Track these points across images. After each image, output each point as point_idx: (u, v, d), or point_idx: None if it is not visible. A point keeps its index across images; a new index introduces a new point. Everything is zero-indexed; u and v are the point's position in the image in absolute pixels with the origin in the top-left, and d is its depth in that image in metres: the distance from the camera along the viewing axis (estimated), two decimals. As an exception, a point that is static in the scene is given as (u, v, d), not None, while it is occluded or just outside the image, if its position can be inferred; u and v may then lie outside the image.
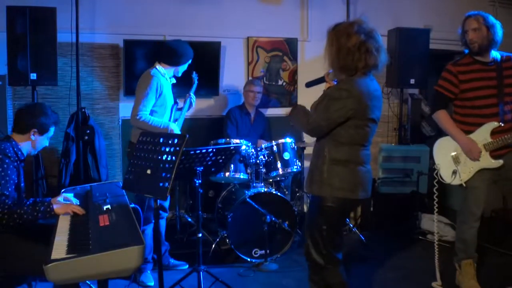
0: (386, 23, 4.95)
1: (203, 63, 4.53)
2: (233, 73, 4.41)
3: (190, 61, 3.46)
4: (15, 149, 2.53)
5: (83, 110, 4.10)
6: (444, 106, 3.09)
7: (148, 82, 3.23)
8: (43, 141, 2.69)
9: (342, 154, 2.31)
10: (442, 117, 3.08)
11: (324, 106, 2.29)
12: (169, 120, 3.46)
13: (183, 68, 3.45)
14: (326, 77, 2.47)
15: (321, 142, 2.38)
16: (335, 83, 2.43)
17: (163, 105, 3.34)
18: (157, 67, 3.37)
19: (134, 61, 4.37)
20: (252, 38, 4.89)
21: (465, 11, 3.17)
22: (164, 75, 3.37)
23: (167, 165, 2.31)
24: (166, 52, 3.37)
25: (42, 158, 4.04)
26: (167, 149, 2.36)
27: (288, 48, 4.97)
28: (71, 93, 4.20)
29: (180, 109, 3.64)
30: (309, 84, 2.62)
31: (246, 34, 4.89)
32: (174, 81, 3.51)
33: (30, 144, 2.63)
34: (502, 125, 2.93)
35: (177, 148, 2.32)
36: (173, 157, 2.31)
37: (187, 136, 2.36)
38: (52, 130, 2.70)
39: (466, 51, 3.07)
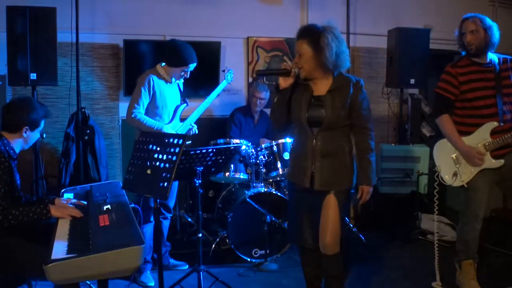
0: (386, 23, 4.95)
1: (203, 63, 4.52)
2: (233, 73, 4.40)
3: (194, 65, 3.35)
4: (7, 148, 2.47)
5: (83, 110, 4.10)
6: (446, 109, 3.08)
7: (141, 82, 3.28)
8: (35, 136, 2.61)
9: (352, 146, 2.56)
10: (445, 123, 3.06)
11: (369, 108, 2.55)
12: (172, 121, 3.44)
13: (188, 69, 3.35)
14: (293, 73, 2.52)
15: (336, 139, 2.51)
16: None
17: (158, 106, 3.33)
18: (157, 67, 3.38)
19: (134, 61, 4.37)
20: (252, 38, 4.89)
21: (465, 11, 3.17)
22: (162, 76, 3.35)
23: (167, 165, 2.31)
24: (167, 52, 3.35)
25: (42, 158, 4.04)
26: (167, 149, 2.36)
27: (288, 48, 4.98)
28: (71, 93, 4.20)
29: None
30: (261, 73, 2.78)
31: (246, 34, 4.89)
32: (181, 81, 3.51)
33: (23, 141, 2.56)
34: (502, 124, 2.93)
35: (177, 148, 2.32)
36: (173, 157, 2.31)
37: (187, 136, 2.36)
38: (42, 123, 2.61)
39: (463, 53, 3.08)
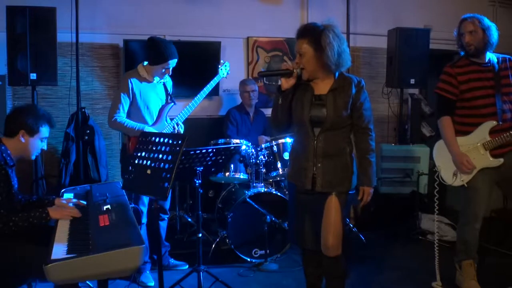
0: (386, 23, 4.96)
1: (203, 63, 4.53)
2: (233, 73, 4.40)
3: (174, 60, 3.27)
4: (4, 154, 2.41)
5: (83, 110, 4.10)
6: (448, 111, 3.07)
7: (120, 86, 3.29)
8: (36, 143, 2.51)
9: (353, 146, 2.56)
10: (445, 125, 3.06)
11: (370, 108, 2.54)
12: (157, 121, 3.38)
13: (169, 66, 3.28)
14: (295, 74, 2.47)
15: (337, 139, 2.49)
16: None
17: (140, 108, 3.29)
18: (138, 67, 3.35)
19: (134, 61, 4.36)
20: (252, 38, 4.89)
21: (465, 11, 3.17)
22: (143, 77, 3.30)
23: (167, 165, 2.31)
24: (147, 50, 3.32)
25: (42, 158, 4.04)
26: (167, 149, 2.36)
27: (288, 48, 4.98)
28: (71, 93, 4.20)
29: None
30: (263, 74, 2.64)
31: (246, 34, 4.89)
32: (167, 79, 3.46)
33: (21, 147, 2.48)
34: (501, 123, 2.94)
35: (177, 148, 2.32)
36: (173, 157, 2.31)
37: (187, 136, 2.36)
38: (43, 130, 2.52)
39: (462, 53, 3.08)
